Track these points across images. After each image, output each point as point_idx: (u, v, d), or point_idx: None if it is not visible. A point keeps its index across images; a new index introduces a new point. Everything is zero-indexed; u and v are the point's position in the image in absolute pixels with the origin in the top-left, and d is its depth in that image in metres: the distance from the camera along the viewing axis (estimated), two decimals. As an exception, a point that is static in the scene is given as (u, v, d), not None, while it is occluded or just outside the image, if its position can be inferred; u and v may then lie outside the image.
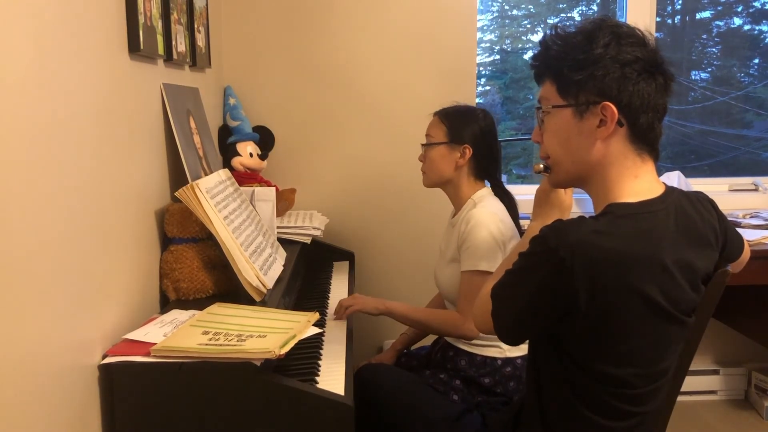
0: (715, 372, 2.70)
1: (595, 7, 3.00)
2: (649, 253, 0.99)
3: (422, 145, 1.81)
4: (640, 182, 1.07)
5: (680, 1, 3.03)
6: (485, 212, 1.64)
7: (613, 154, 1.06)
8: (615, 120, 1.04)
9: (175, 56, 1.62)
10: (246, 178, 2.12)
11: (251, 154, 2.19)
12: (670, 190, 1.10)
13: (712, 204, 1.17)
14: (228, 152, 2.18)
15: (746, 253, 1.28)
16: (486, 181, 1.78)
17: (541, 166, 1.19)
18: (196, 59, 1.84)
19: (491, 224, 1.61)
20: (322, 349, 1.53)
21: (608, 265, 0.96)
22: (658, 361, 1.06)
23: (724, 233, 1.15)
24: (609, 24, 1.07)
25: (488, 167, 1.77)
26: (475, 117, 1.74)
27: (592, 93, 1.05)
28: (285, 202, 2.17)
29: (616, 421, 1.07)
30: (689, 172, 2.69)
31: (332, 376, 1.36)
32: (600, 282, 0.96)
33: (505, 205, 1.72)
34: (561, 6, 3.05)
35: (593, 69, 1.04)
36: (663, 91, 1.06)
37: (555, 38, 1.10)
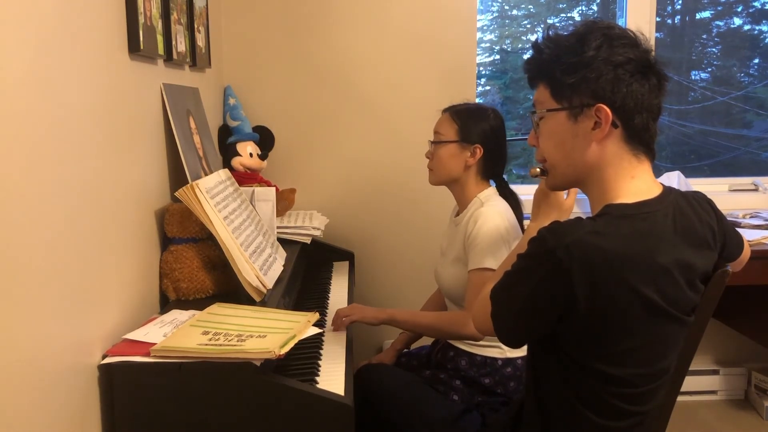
0: (715, 372, 2.70)
1: (595, 7, 3.00)
2: (647, 254, 0.99)
3: (431, 142, 1.77)
4: (637, 182, 1.07)
5: (680, 1, 3.02)
6: (493, 211, 1.63)
7: (609, 156, 1.06)
8: (609, 122, 1.04)
9: (175, 56, 1.62)
10: (246, 178, 2.12)
11: (251, 154, 2.19)
12: (668, 191, 1.10)
13: (710, 204, 1.17)
14: (228, 152, 2.18)
15: (746, 253, 1.28)
16: (491, 181, 1.77)
17: (538, 169, 1.20)
18: (196, 59, 1.84)
19: (499, 223, 1.61)
20: (322, 349, 1.53)
21: (606, 266, 0.96)
22: (658, 361, 1.06)
23: (722, 233, 1.15)
24: (600, 26, 1.07)
25: (496, 167, 1.76)
26: (486, 116, 1.73)
27: (586, 95, 1.05)
28: (285, 202, 2.17)
29: (616, 421, 1.07)
30: (689, 172, 2.68)
31: (332, 376, 1.36)
32: (598, 283, 0.96)
33: (510, 205, 1.72)
34: (561, 6, 3.04)
35: (586, 71, 1.04)
36: (657, 91, 1.07)
37: (547, 42, 1.10)
